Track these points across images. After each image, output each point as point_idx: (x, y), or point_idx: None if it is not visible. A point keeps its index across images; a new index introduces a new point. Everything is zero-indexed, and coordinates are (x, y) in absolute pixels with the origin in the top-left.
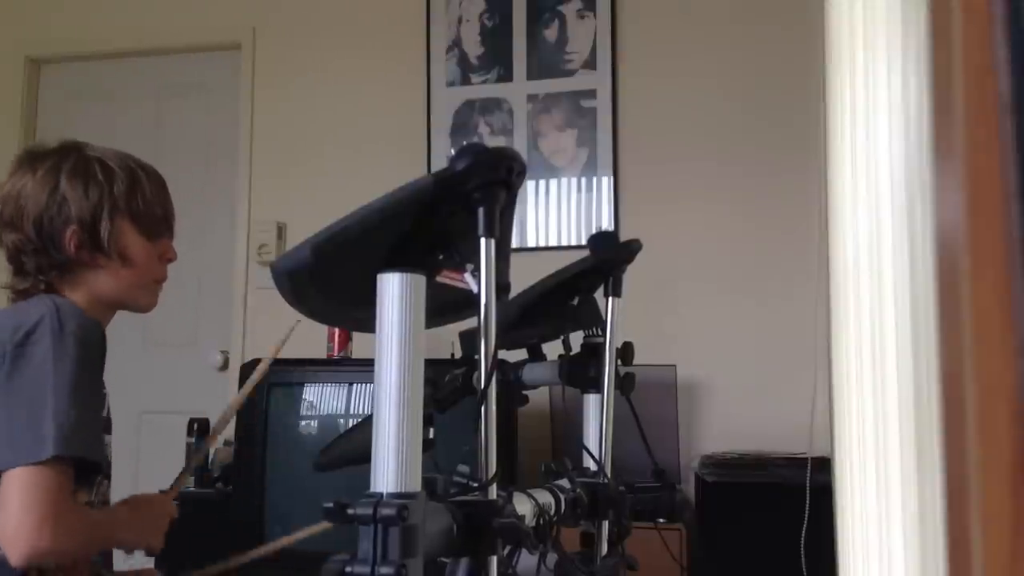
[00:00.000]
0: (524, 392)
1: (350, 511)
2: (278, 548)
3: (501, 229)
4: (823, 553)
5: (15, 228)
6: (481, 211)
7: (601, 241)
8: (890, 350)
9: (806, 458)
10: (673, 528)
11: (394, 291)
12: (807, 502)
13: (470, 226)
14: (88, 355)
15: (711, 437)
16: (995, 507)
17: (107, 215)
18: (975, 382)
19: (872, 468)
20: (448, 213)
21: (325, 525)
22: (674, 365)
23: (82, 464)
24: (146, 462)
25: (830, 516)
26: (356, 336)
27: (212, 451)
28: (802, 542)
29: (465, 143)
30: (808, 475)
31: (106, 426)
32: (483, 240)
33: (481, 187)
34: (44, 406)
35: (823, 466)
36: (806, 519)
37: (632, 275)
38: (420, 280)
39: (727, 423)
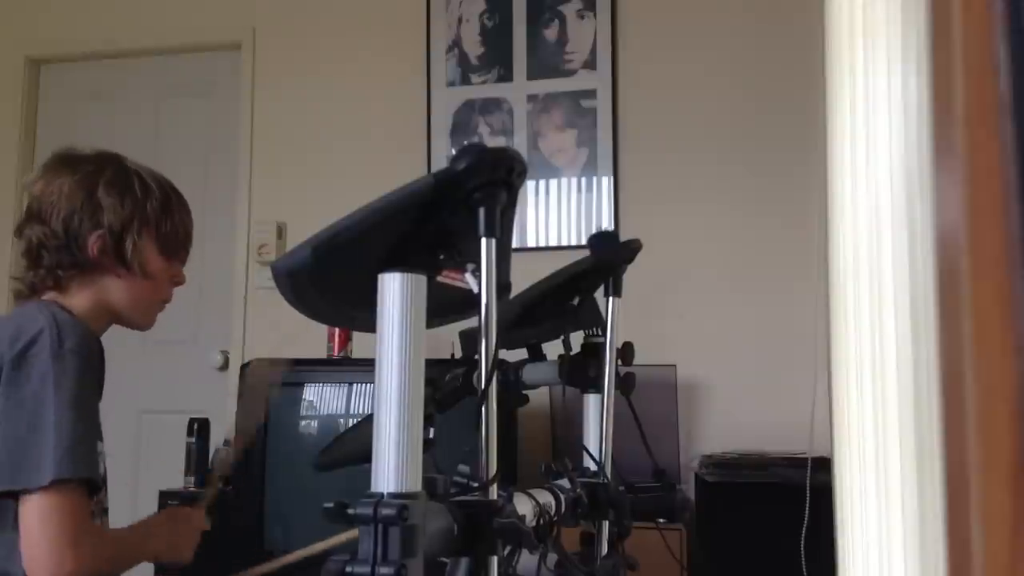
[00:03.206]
0: (524, 392)
1: (350, 511)
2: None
3: (502, 229)
4: (823, 553)
5: (42, 222)
6: (482, 211)
7: (601, 241)
8: (890, 350)
9: (806, 458)
10: (673, 528)
11: (395, 291)
12: (807, 502)
13: (471, 226)
14: (87, 372)
15: (711, 437)
16: (995, 507)
17: (136, 229)
18: (975, 382)
19: (872, 468)
20: (449, 213)
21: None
22: (674, 365)
23: (86, 484)
24: (146, 462)
25: (830, 516)
26: (356, 336)
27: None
28: (802, 542)
29: (466, 143)
30: (808, 475)
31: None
32: (484, 240)
33: (482, 187)
34: (46, 427)
35: (823, 466)
36: (806, 519)
37: (632, 275)
38: (421, 280)
39: (727, 423)
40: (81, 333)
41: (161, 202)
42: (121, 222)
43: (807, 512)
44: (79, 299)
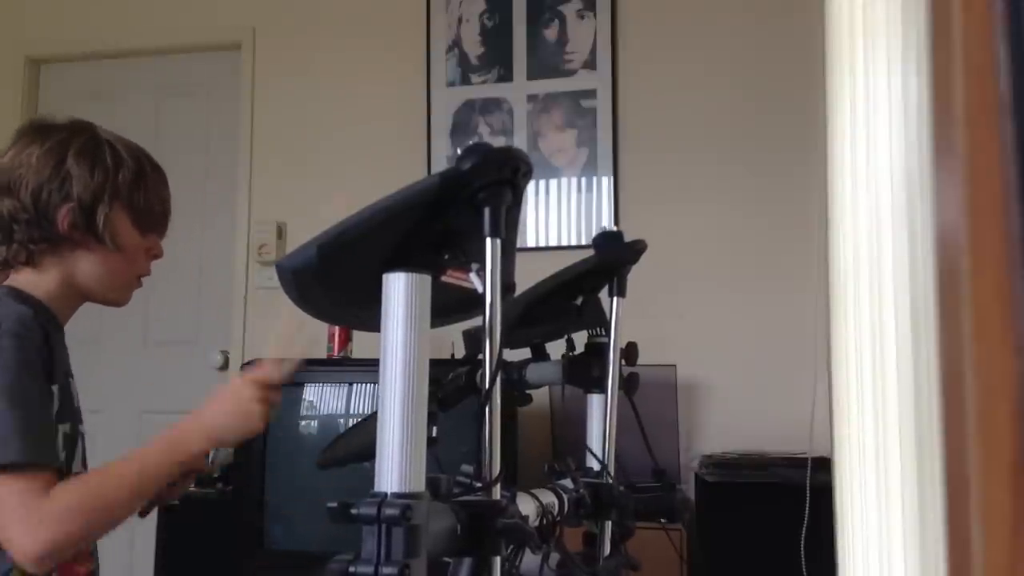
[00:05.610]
0: (527, 392)
1: (354, 511)
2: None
3: (507, 229)
4: (823, 553)
5: (11, 195)
6: (487, 211)
7: (606, 240)
8: (890, 350)
9: (806, 458)
10: (673, 528)
11: (399, 291)
12: (807, 502)
13: (476, 226)
14: (26, 355)
15: (711, 437)
16: (995, 507)
17: (107, 200)
18: (975, 382)
19: (872, 468)
20: (454, 213)
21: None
22: (674, 365)
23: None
24: None
25: (830, 516)
26: (356, 336)
27: None
28: (802, 542)
29: (471, 143)
30: (808, 475)
31: (78, 416)
32: (489, 240)
33: (487, 187)
34: None
35: (823, 466)
36: (806, 519)
37: (632, 275)
38: (425, 280)
39: (727, 423)
40: (18, 316)
41: (134, 173)
42: (91, 193)
43: (807, 512)
44: (50, 275)
